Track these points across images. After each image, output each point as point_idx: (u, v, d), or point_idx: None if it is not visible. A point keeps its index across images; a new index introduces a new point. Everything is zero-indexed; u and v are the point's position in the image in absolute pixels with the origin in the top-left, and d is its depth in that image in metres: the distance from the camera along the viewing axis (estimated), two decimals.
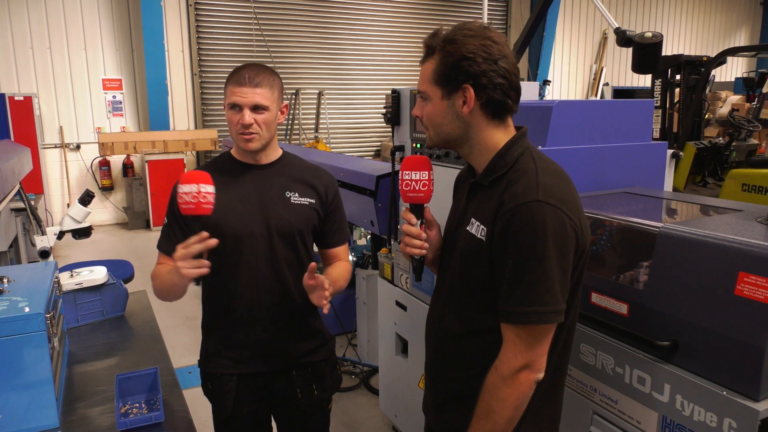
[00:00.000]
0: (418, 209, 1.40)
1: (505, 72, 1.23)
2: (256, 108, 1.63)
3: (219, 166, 1.77)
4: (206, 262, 1.49)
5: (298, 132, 9.35)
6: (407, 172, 1.38)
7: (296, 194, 1.75)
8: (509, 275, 1.18)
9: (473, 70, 1.21)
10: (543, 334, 1.19)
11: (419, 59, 1.33)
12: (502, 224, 1.18)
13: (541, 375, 1.21)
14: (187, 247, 1.47)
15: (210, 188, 1.48)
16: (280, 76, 1.75)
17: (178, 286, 1.61)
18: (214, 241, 1.49)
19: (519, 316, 1.17)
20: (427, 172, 1.38)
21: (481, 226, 1.25)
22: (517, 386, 1.19)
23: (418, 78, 1.34)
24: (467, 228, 1.30)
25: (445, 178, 2.23)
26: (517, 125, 1.34)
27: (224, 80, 1.69)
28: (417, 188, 1.37)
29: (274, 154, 1.78)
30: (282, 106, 1.73)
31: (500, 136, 1.29)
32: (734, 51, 5.90)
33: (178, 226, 1.72)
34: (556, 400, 1.38)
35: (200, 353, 1.83)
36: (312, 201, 1.77)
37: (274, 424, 1.94)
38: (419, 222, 1.40)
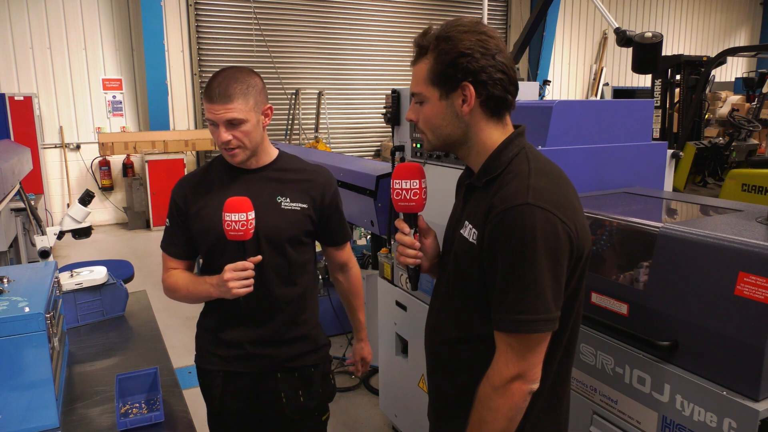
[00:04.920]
0: (410, 218, 1.37)
1: (503, 66, 1.18)
2: (232, 123, 1.58)
3: (212, 171, 1.76)
4: (252, 281, 1.58)
5: (298, 132, 9.35)
6: (398, 181, 1.34)
7: (288, 199, 1.70)
8: (499, 281, 1.14)
9: (472, 66, 1.16)
10: (536, 343, 1.14)
11: None
12: (491, 228, 1.14)
13: (535, 386, 1.17)
14: (240, 269, 1.55)
15: (252, 213, 1.54)
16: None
17: (213, 298, 1.66)
18: (258, 258, 1.59)
19: (509, 324, 1.13)
20: (418, 181, 1.33)
21: (473, 230, 1.21)
22: (509, 397, 1.15)
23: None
24: (461, 231, 1.26)
25: (440, 178, 2.24)
26: (515, 124, 1.29)
27: None
28: (408, 197, 1.34)
29: (267, 157, 1.74)
30: (265, 109, 1.66)
31: (497, 135, 1.24)
32: (734, 51, 5.89)
33: (179, 230, 1.75)
34: (558, 411, 1.32)
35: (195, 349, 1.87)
36: (304, 206, 1.72)
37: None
38: (413, 231, 1.36)
